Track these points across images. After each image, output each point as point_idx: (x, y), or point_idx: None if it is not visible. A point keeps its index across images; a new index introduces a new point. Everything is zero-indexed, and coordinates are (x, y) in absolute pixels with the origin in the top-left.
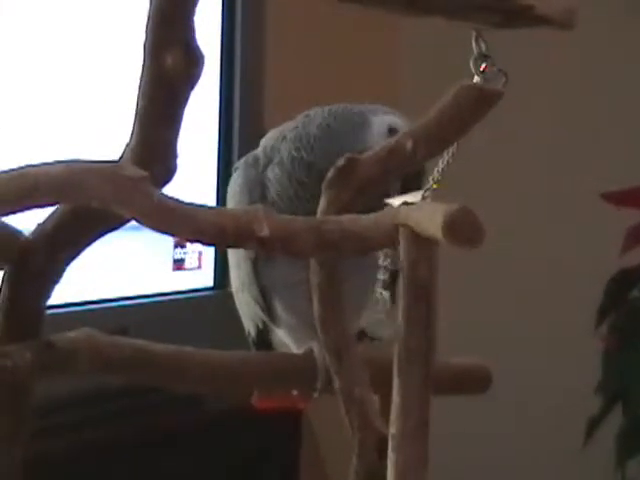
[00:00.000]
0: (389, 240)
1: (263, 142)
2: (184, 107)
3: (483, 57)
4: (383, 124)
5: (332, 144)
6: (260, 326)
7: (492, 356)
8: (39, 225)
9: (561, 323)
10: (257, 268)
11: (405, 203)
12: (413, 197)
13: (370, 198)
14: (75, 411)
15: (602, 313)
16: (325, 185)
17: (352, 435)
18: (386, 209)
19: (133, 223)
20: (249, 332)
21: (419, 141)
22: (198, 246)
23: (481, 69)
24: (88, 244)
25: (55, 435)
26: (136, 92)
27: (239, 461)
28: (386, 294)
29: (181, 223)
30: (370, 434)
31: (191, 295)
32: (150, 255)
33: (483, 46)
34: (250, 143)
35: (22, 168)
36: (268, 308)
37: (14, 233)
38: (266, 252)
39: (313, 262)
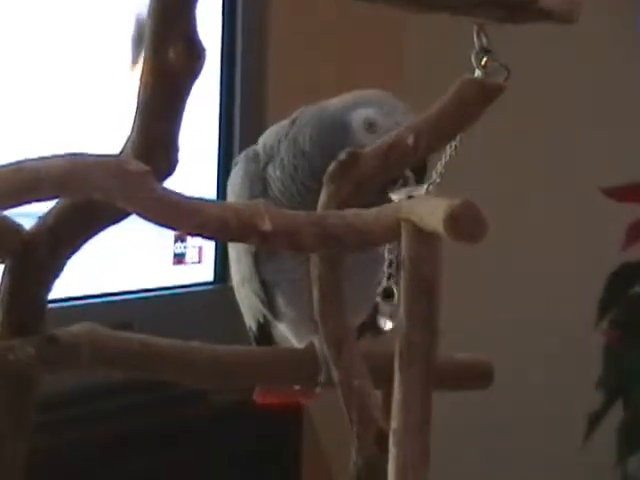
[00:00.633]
0: (392, 234)
1: (262, 139)
2: (185, 101)
3: (485, 51)
4: (359, 120)
5: (325, 157)
6: (261, 320)
7: (492, 351)
8: (40, 219)
9: (562, 318)
10: (258, 262)
11: (409, 197)
12: (417, 191)
13: (370, 192)
14: (77, 406)
15: (603, 308)
16: (326, 179)
17: (351, 428)
18: (389, 204)
19: (134, 217)
20: (250, 326)
21: (420, 136)
22: (198, 240)
23: (482, 63)
24: (89, 238)
25: (58, 430)
26: (137, 85)
27: (241, 456)
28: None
29: (184, 217)
30: (369, 427)
31: (191, 289)
32: (150, 249)
33: (485, 40)
34: (251, 137)
35: (24, 162)
36: (269, 302)
37: (15, 227)
38: (268, 247)
39: (314, 255)
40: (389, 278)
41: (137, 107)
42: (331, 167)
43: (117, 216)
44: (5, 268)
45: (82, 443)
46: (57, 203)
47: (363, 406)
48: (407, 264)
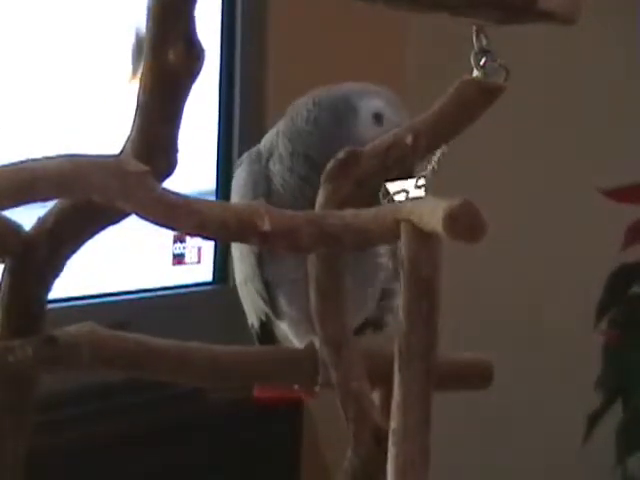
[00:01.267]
0: (391, 235)
1: (264, 138)
2: (185, 101)
3: (484, 52)
4: (368, 111)
5: (322, 138)
6: (263, 319)
7: (491, 351)
8: (40, 219)
9: (561, 318)
10: (261, 261)
11: (404, 190)
12: (411, 183)
13: (369, 192)
14: (76, 406)
15: (602, 309)
16: (324, 178)
17: (348, 427)
18: (387, 204)
19: (133, 217)
20: (252, 325)
21: (419, 135)
22: (197, 241)
23: (482, 64)
24: (88, 238)
25: (57, 430)
26: (136, 86)
27: (240, 455)
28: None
29: (183, 217)
30: (366, 426)
31: (190, 290)
32: (150, 250)
33: (484, 41)
34: (250, 137)
35: (23, 162)
36: (271, 301)
37: (15, 227)
38: (268, 247)
39: (312, 256)
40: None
41: (137, 107)
42: (329, 166)
43: (116, 216)
44: (5, 268)
45: (81, 442)
46: (57, 204)
47: (360, 406)
48: (406, 264)
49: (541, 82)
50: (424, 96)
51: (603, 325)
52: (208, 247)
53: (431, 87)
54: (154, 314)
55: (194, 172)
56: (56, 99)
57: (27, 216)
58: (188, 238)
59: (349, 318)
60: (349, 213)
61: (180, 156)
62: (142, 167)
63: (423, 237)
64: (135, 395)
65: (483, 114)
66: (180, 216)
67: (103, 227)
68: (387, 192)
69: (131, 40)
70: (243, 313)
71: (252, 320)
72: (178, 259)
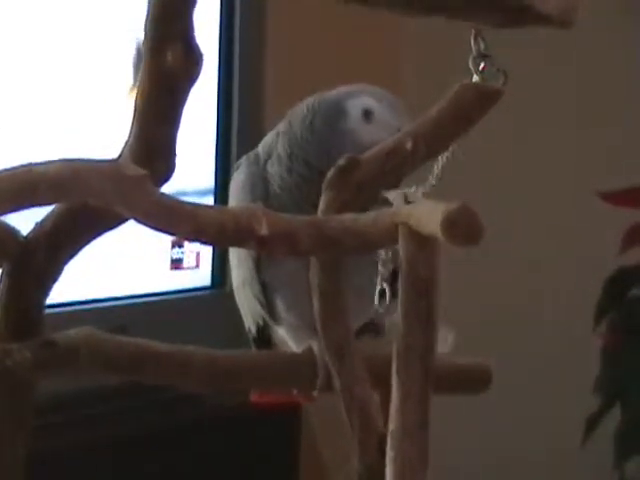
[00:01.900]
0: (389, 238)
1: (262, 141)
2: (183, 105)
3: (482, 56)
4: (357, 110)
5: (318, 142)
6: (261, 324)
7: (490, 354)
8: (38, 224)
9: (559, 321)
10: (259, 265)
11: (404, 197)
12: (412, 191)
13: (369, 197)
14: (75, 410)
15: (601, 312)
16: (325, 185)
17: (352, 435)
18: (386, 208)
19: (132, 222)
20: (249, 329)
21: (419, 141)
22: (196, 245)
23: (480, 68)
24: (87, 243)
25: (55, 434)
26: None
27: (238, 460)
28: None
29: (181, 222)
30: (371, 433)
31: (189, 294)
32: (148, 254)
33: (482, 45)
34: (249, 140)
35: (22, 167)
36: (269, 306)
37: (13, 232)
38: (266, 251)
39: (313, 262)
40: (385, 281)
41: (134, 111)
42: (330, 174)
43: (115, 221)
44: (3, 272)
45: (80, 446)
46: (55, 208)
47: (365, 413)
48: (405, 267)
49: (539, 86)
50: (421, 100)
51: (601, 328)
52: (206, 252)
53: (428, 91)
54: (152, 318)
55: (192, 176)
56: (55, 103)
57: (23, 221)
58: (186, 243)
59: (350, 321)
60: (348, 217)
61: (179, 157)
62: (140, 171)
63: (421, 240)
64: (133, 399)
65: (482, 118)
66: (178, 220)
67: (101, 232)
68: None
69: (132, 48)
70: (241, 318)
71: (249, 325)
72: (176, 264)
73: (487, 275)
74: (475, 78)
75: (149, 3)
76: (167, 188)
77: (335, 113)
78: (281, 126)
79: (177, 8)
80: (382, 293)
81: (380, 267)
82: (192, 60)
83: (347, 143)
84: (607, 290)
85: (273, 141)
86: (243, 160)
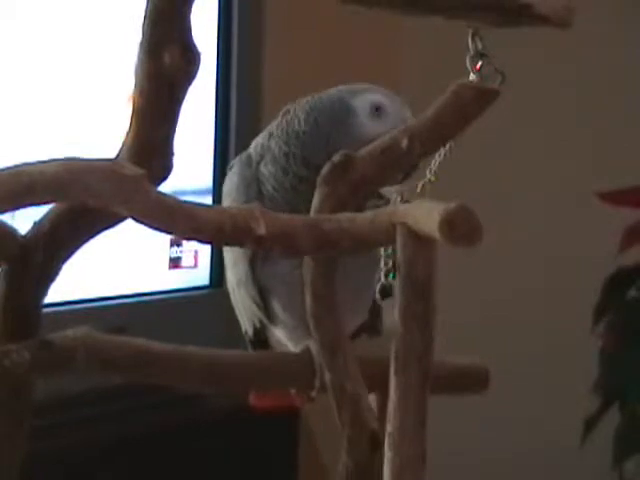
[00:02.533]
0: (387, 238)
1: (254, 142)
2: (181, 105)
3: (480, 56)
4: (366, 105)
5: (322, 139)
6: (257, 325)
7: (489, 355)
8: (36, 223)
9: (558, 322)
10: (254, 266)
11: (400, 195)
12: (408, 188)
13: (364, 195)
14: (74, 410)
15: (599, 312)
16: (319, 181)
17: (342, 430)
18: (384, 208)
19: (130, 221)
20: (246, 331)
21: (415, 139)
22: (194, 245)
23: (477, 68)
24: (85, 242)
25: (55, 433)
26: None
27: (237, 460)
28: (387, 284)
29: (179, 221)
30: (361, 430)
31: (187, 294)
32: (146, 254)
33: (479, 44)
34: (247, 140)
35: (20, 166)
36: (265, 307)
37: (11, 231)
38: (263, 250)
39: (306, 260)
40: (387, 276)
41: (132, 111)
42: (324, 169)
43: (112, 220)
44: (1, 272)
45: (79, 447)
46: (53, 207)
47: (356, 409)
48: (402, 267)
49: (538, 85)
50: (419, 99)
51: (600, 328)
52: (205, 251)
53: (426, 90)
54: (151, 318)
55: (190, 175)
56: (53, 103)
57: (21, 221)
58: (185, 242)
59: (345, 321)
60: (345, 217)
61: (177, 157)
62: (137, 171)
63: (419, 240)
64: (132, 399)
65: (480, 117)
66: (175, 220)
67: (99, 231)
68: (382, 195)
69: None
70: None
71: (246, 327)
72: (175, 263)
73: (486, 275)
74: (472, 77)
75: (147, 4)
76: (165, 187)
77: (340, 110)
78: (273, 127)
79: (174, 9)
80: (383, 288)
81: (382, 263)
82: (189, 60)
83: (356, 137)
84: (606, 290)
85: (265, 143)
86: (236, 161)
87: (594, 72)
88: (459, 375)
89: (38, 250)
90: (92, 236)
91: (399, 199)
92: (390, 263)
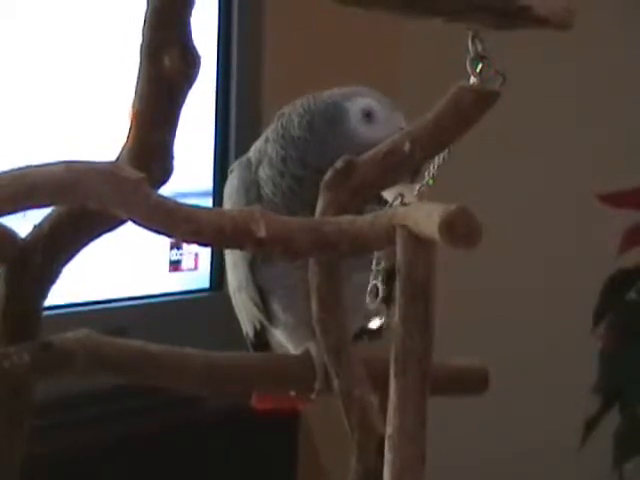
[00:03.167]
0: (387, 240)
1: (253, 146)
2: (181, 108)
3: (480, 58)
4: (357, 109)
5: (317, 142)
6: (258, 327)
7: (489, 355)
8: (36, 226)
9: (558, 323)
10: (254, 268)
11: (400, 196)
12: (408, 190)
13: (367, 199)
14: (74, 411)
15: (599, 313)
16: (323, 187)
17: (351, 436)
18: (384, 210)
19: (130, 224)
20: (247, 333)
21: (417, 142)
22: (194, 247)
23: (478, 70)
24: (85, 245)
25: (54, 436)
26: (132, 93)
27: (237, 462)
28: (381, 287)
29: (179, 224)
30: (370, 435)
31: (187, 296)
32: (146, 256)
33: (479, 47)
34: (247, 143)
35: (20, 169)
36: (266, 309)
37: (11, 234)
38: (264, 253)
39: (312, 264)
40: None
41: (133, 114)
42: (327, 175)
43: (113, 223)
44: (1, 275)
45: (79, 447)
46: (53, 210)
47: (364, 415)
48: (402, 269)
49: (538, 86)
50: (418, 102)
51: (600, 329)
52: (205, 254)
53: (425, 93)
54: (151, 321)
55: (191, 174)
56: (54, 106)
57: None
58: (185, 245)
59: (349, 323)
60: (345, 219)
61: (177, 160)
62: (137, 174)
63: (418, 242)
64: (131, 400)
65: (480, 120)
66: (176, 223)
67: (99, 234)
68: (383, 198)
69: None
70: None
71: (246, 329)
72: (175, 266)
73: (486, 276)
74: (473, 80)
75: (146, 6)
76: (165, 190)
77: (335, 113)
78: (270, 131)
79: (174, 12)
80: (375, 291)
81: (374, 265)
82: (189, 63)
83: (348, 143)
84: (606, 291)
85: (262, 147)
86: (236, 165)
87: (594, 73)
88: (459, 377)
89: (38, 253)
90: (92, 239)
91: (399, 202)
92: (381, 266)
